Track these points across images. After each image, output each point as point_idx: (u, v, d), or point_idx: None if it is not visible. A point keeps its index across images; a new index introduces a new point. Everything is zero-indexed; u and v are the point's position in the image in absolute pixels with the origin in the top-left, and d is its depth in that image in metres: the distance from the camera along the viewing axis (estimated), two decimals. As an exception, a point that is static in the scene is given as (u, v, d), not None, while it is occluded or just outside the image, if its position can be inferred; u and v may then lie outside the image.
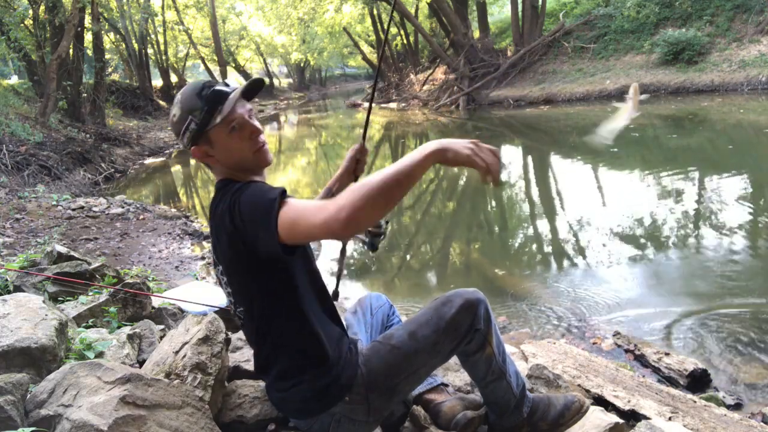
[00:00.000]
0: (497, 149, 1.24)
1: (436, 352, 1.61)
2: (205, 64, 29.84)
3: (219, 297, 3.13)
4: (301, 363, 1.54)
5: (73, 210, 6.68)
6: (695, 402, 2.21)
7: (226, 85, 1.50)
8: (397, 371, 1.58)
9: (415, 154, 1.22)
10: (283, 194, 1.30)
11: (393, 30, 28.17)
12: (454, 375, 2.18)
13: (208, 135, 1.47)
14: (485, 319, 1.64)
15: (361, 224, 1.19)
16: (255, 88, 1.51)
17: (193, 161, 14.05)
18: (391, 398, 1.61)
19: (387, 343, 1.60)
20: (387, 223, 1.92)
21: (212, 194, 1.57)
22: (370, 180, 1.19)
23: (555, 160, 9.64)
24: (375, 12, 25.18)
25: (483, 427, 1.85)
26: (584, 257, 4.68)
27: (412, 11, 23.38)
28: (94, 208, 6.84)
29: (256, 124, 1.50)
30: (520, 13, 19.06)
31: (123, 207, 7.00)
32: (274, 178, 10.51)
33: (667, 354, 2.84)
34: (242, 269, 1.47)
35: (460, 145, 1.23)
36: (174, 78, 26.64)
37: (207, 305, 2.98)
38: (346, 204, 1.18)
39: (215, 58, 28.99)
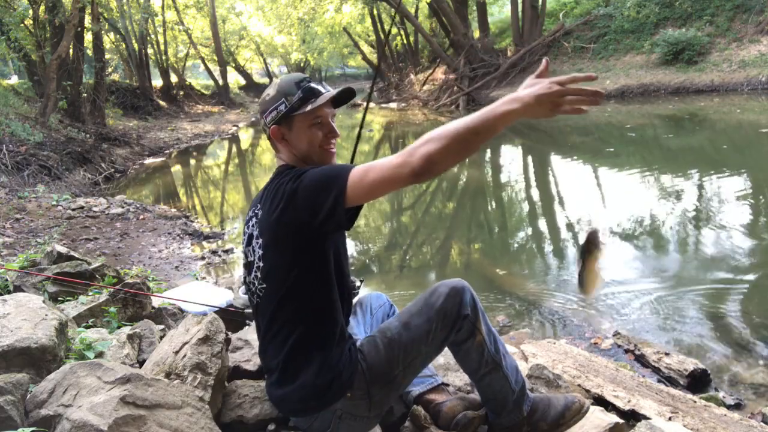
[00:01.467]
0: (586, 83, 1.28)
1: (429, 341, 1.64)
2: (205, 64, 29.83)
3: (219, 297, 3.13)
4: (308, 349, 1.55)
5: (73, 210, 6.68)
6: (695, 402, 2.21)
7: (322, 85, 1.64)
8: (395, 362, 1.61)
9: (496, 110, 1.23)
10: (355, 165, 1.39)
11: (393, 30, 28.19)
12: (454, 375, 2.17)
13: (293, 120, 1.59)
14: (471, 306, 1.67)
15: (436, 165, 1.24)
16: (345, 98, 1.63)
17: (193, 161, 14.06)
18: (390, 391, 1.64)
19: (384, 336, 1.63)
20: (362, 281, 2.06)
21: (270, 177, 1.66)
22: (448, 126, 1.23)
23: (555, 160, 9.64)
24: (375, 12, 25.18)
25: (483, 428, 1.85)
26: (584, 257, 4.67)
27: (412, 11, 23.38)
28: (94, 208, 6.84)
29: (335, 127, 1.62)
30: (520, 13, 19.06)
31: (123, 207, 7.00)
32: (274, 178, 10.51)
33: (667, 354, 2.84)
34: (285, 244, 1.51)
35: (541, 102, 1.24)
36: (174, 78, 26.63)
37: (207, 305, 2.98)
38: (421, 145, 1.24)
39: (215, 58, 28.98)
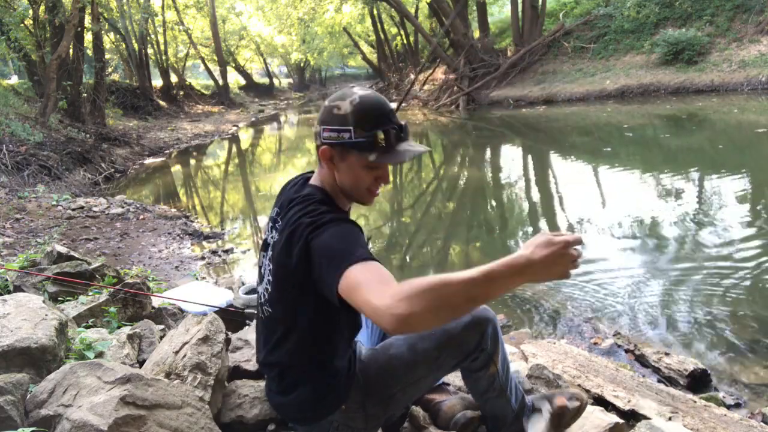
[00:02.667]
0: (578, 243, 1.07)
1: (437, 367, 1.57)
2: (205, 64, 29.84)
3: (219, 297, 3.14)
4: (307, 368, 1.51)
5: (73, 210, 6.68)
6: (695, 402, 2.21)
7: (404, 133, 1.42)
8: (393, 381, 1.54)
9: (498, 272, 1.03)
10: (365, 258, 1.20)
11: (393, 30, 28.20)
12: (454, 374, 2.17)
13: (350, 152, 1.39)
14: (492, 339, 1.57)
15: (412, 328, 1.05)
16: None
17: (193, 161, 14.06)
18: (387, 407, 1.58)
19: (385, 353, 1.56)
20: None
21: (296, 184, 1.55)
22: (441, 283, 1.04)
23: (554, 160, 9.64)
24: (375, 12, 25.19)
25: (483, 427, 1.85)
26: (585, 257, 4.67)
27: (412, 11, 23.38)
28: (94, 208, 6.84)
29: (389, 173, 1.49)
30: (520, 13, 19.06)
31: (123, 207, 7.00)
32: (275, 178, 10.52)
33: (667, 354, 2.84)
34: (293, 285, 1.40)
35: (549, 267, 1.04)
36: (174, 78, 26.63)
37: (207, 305, 2.98)
38: (406, 300, 1.03)
39: (215, 58, 28.98)
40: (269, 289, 1.50)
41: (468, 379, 1.68)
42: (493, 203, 7.36)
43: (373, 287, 1.11)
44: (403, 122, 1.43)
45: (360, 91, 1.41)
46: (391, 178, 1.56)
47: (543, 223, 6.13)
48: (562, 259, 1.04)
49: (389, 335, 1.09)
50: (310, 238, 1.29)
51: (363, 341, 1.80)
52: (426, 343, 1.53)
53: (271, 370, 1.57)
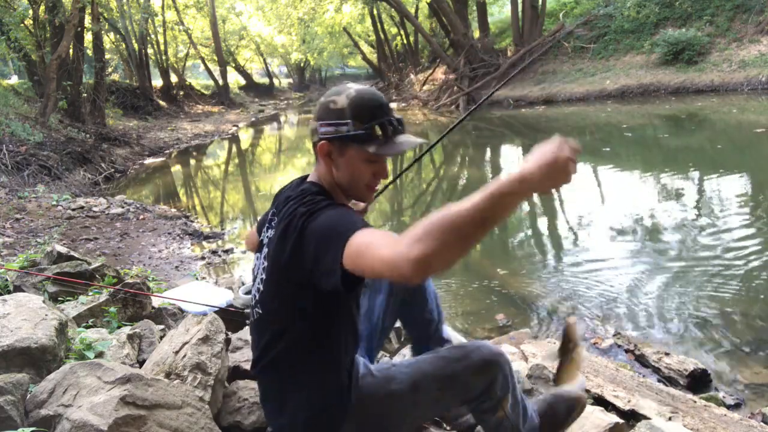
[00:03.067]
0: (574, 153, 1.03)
1: (438, 407, 1.50)
2: (205, 64, 29.84)
3: (219, 297, 3.14)
4: (300, 386, 1.42)
5: (73, 210, 6.68)
6: (695, 402, 2.21)
7: (401, 126, 1.42)
8: (390, 421, 1.46)
9: (503, 189, 1.03)
10: (368, 226, 1.19)
11: (393, 30, 28.19)
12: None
13: (348, 146, 1.37)
14: (503, 386, 1.46)
15: (433, 268, 1.02)
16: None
17: (193, 161, 14.06)
18: None
19: (385, 387, 1.44)
20: None
21: (292, 184, 1.51)
22: (448, 215, 1.04)
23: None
24: (375, 12, 25.18)
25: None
26: (584, 257, 4.67)
27: (412, 11, 23.38)
28: (94, 208, 6.84)
29: (388, 167, 1.45)
30: (520, 13, 19.06)
31: (123, 207, 7.00)
32: (275, 178, 10.52)
33: (667, 354, 2.84)
34: (286, 276, 1.35)
35: (554, 179, 1.02)
36: (174, 78, 26.63)
37: (207, 305, 2.98)
38: (419, 241, 1.01)
39: (215, 58, 28.99)
40: (261, 289, 1.45)
41: (475, 413, 1.57)
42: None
43: (383, 242, 1.08)
44: (399, 116, 1.42)
45: (355, 85, 1.41)
46: (390, 177, 1.55)
47: (543, 223, 6.13)
48: (565, 170, 1.02)
49: (407, 281, 1.04)
50: (305, 224, 1.26)
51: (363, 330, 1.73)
52: (429, 383, 1.43)
53: (267, 390, 1.50)
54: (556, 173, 1.00)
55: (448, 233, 1.01)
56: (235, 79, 35.53)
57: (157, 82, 24.70)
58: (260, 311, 1.45)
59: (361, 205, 1.75)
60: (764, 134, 9.21)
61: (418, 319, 1.88)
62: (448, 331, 1.99)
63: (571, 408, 1.76)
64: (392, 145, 1.37)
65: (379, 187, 1.54)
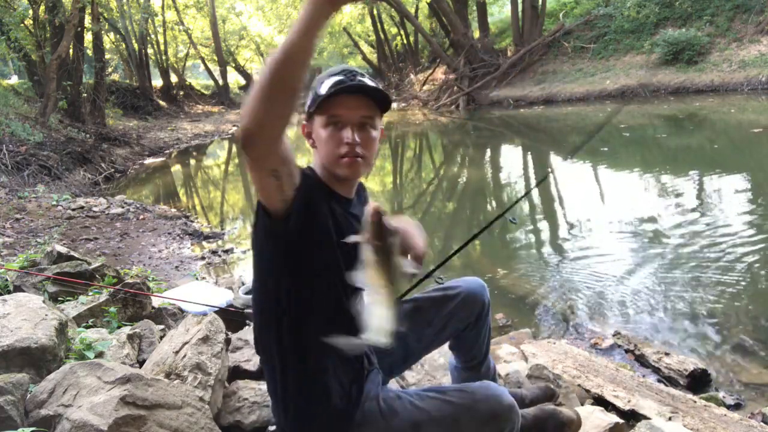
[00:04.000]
0: None
1: None
2: (205, 64, 29.84)
3: (219, 297, 3.14)
4: (290, 395, 1.37)
5: (73, 210, 6.68)
6: (695, 402, 2.21)
7: (370, 78, 1.38)
8: None
9: (302, 13, 0.99)
10: None
11: (393, 30, 28.19)
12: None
13: (313, 118, 1.36)
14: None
15: (262, 125, 1.02)
16: (379, 96, 1.35)
17: (193, 161, 14.05)
18: None
19: (387, 421, 1.35)
20: None
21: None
22: (263, 68, 1.01)
23: (553, 159, 9.64)
24: (375, 12, 25.18)
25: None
26: (584, 257, 4.67)
27: (412, 11, 23.37)
28: (94, 208, 6.84)
29: (354, 135, 1.31)
30: (520, 13, 19.07)
31: (123, 207, 7.00)
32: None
33: (667, 354, 2.84)
34: (263, 259, 1.34)
35: None
36: (174, 78, 26.63)
37: (207, 305, 2.98)
38: (244, 108, 1.03)
39: (215, 58, 28.99)
40: (251, 286, 1.47)
41: None
42: (494, 203, 7.36)
43: None
44: (357, 69, 1.39)
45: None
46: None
47: (542, 222, 6.13)
48: None
49: (253, 154, 1.05)
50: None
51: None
52: (432, 428, 1.34)
53: (268, 386, 1.47)
54: None
55: (263, 82, 1.00)
56: (235, 79, 35.52)
57: (157, 82, 24.70)
58: (252, 308, 1.45)
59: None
60: (761, 134, 9.22)
61: (462, 350, 1.81)
62: (492, 361, 1.89)
63: (559, 429, 1.75)
64: (329, 83, 1.32)
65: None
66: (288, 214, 1.21)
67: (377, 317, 1.12)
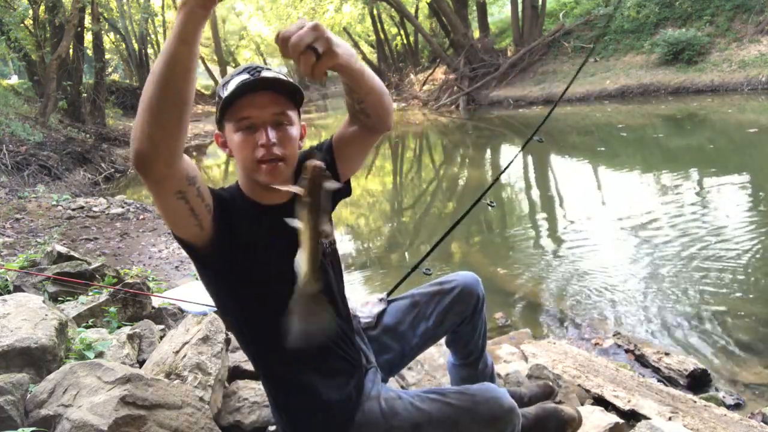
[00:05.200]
0: None
1: None
2: (205, 64, 29.87)
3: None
4: (273, 396, 1.40)
5: (73, 210, 6.68)
6: (695, 402, 2.21)
7: (278, 71, 1.30)
8: None
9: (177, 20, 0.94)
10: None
11: (393, 30, 28.19)
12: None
13: (224, 129, 1.27)
14: None
15: (155, 144, 0.96)
16: (288, 88, 1.23)
17: (192, 161, 14.03)
18: None
19: (388, 421, 1.35)
20: (388, 300, 1.69)
21: None
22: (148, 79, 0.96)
23: (553, 159, 9.65)
24: (375, 12, 25.17)
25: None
26: (584, 257, 4.68)
27: (412, 11, 23.37)
28: (94, 208, 6.84)
29: (268, 135, 1.20)
30: (520, 13, 19.06)
31: (123, 207, 7.00)
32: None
33: (667, 354, 2.84)
34: (206, 282, 1.34)
35: None
36: (174, 78, 26.61)
37: (207, 305, 2.98)
38: (133, 129, 0.98)
39: (215, 58, 29.03)
40: None
41: None
42: (487, 198, 7.35)
43: None
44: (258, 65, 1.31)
45: None
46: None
47: (543, 223, 6.13)
48: None
49: (150, 179, 1.00)
50: None
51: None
52: (432, 430, 1.33)
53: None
54: None
55: (145, 99, 0.95)
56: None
57: (157, 82, 24.67)
58: None
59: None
60: (757, 134, 9.23)
61: (459, 346, 1.80)
62: (489, 358, 1.88)
63: (560, 428, 1.75)
64: (234, 82, 1.22)
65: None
66: (210, 240, 1.17)
67: (299, 263, 1.11)
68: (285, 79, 1.24)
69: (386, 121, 1.36)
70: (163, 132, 0.96)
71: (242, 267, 1.24)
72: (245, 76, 1.23)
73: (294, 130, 1.27)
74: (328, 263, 1.37)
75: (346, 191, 1.50)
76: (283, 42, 1.03)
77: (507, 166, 2.74)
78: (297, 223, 1.09)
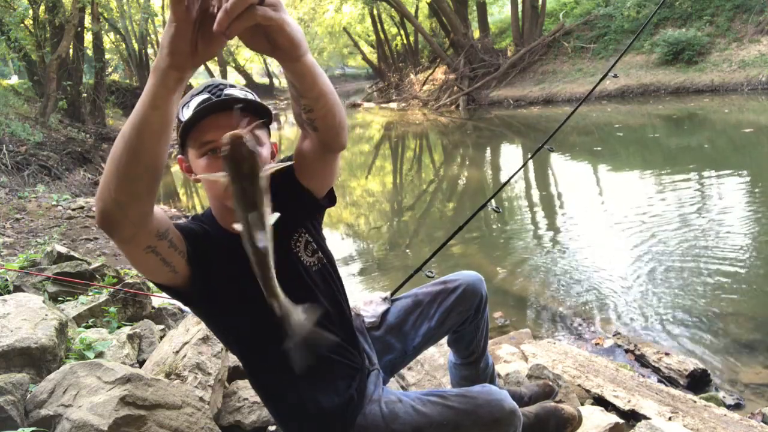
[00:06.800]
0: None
1: None
2: (205, 64, 29.84)
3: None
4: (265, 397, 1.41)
5: (73, 210, 6.68)
6: (695, 402, 2.21)
7: (242, 89, 1.22)
8: None
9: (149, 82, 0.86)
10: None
11: (393, 30, 28.20)
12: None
13: (187, 148, 1.18)
14: None
15: (123, 206, 0.90)
16: (254, 108, 1.14)
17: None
18: None
19: (389, 425, 1.34)
20: (392, 300, 1.68)
21: None
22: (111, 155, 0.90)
23: (554, 159, 9.65)
24: (375, 12, 25.18)
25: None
26: (585, 257, 4.68)
27: (412, 11, 23.37)
28: (94, 208, 6.84)
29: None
30: (520, 13, 19.07)
31: (123, 207, 6.99)
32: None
33: (667, 354, 2.84)
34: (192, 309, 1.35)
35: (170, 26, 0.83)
36: (174, 78, 26.63)
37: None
38: (99, 187, 0.93)
39: (215, 58, 29.01)
40: None
41: None
42: (493, 203, 7.35)
43: None
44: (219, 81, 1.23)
45: None
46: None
47: (543, 223, 6.13)
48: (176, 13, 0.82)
49: (115, 237, 0.95)
50: None
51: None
52: None
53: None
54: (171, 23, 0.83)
55: (112, 164, 0.89)
56: (235, 79, 35.51)
57: (157, 82, 24.69)
58: None
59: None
60: (754, 134, 9.24)
61: (461, 346, 1.80)
62: (490, 358, 1.88)
63: (561, 426, 1.75)
64: (192, 104, 1.15)
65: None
66: (187, 280, 1.13)
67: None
68: (250, 97, 1.18)
69: (338, 137, 1.14)
70: (131, 197, 0.91)
71: (226, 300, 1.21)
72: (205, 96, 1.15)
73: (264, 151, 1.16)
74: (311, 281, 1.30)
75: (327, 201, 1.35)
76: None
77: (514, 174, 2.77)
78: (237, 227, 0.88)
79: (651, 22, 16.66)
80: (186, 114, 1.14)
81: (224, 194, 1.12)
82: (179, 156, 1.22)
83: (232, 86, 1.21)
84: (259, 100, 1.20)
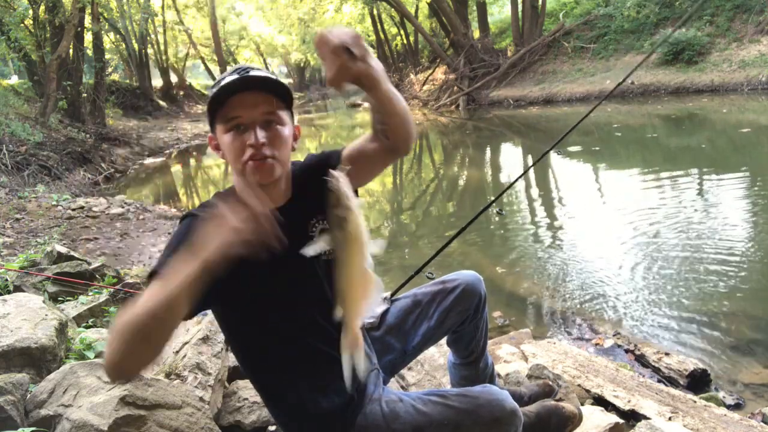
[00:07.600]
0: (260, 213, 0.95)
1: None
2: (205, 64, 29.87)
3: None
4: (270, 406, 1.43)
5: (73, 210, 6.68)
6: (695, 402, 2.21)
7: (268, 72, 1.29)
8: None
9: (171, 276, 0.93)
10: (162, 268, 1.05)
11: (393, 30, 28.20)
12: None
13: (215, 126, 1.24)
14: None
15: (128, 373, 0.99)
16: (279, 90, 1.22)
17: (192, 161, 14.05)
18: None
19: (389, 425, 1.35)
20: (392, 300, 1.68)
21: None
22: (128, 316, 0.92)
23: (554, 159, 9.64)
24: (375, 12, 25.18)
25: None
26: (585, 257, 4.68)
27: (412, 11, 23.38)
28: (94, 208, 6.84)
29: (257, 136, 1.17)
30: (520, 13, 19.07)
31: (123, 207, 6.99)
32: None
33: (667, 354, 2.84)
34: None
35: (210, 242, 0.94)
36: (174, 78, 26.64)
37: (207, 305, 2.98)
38: (107, 348, 0.95)
39: (215, 58, 29.01)
40: None
41: None
42: (502, 211, 7.36)
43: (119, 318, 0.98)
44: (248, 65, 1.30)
45: None
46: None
47: (543, 223, 6.13)
48: (217, 230, 0.95)
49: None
50: None
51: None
52: None
53: None
54: (216, 238, 0.94)
55: (126, 335, 0.92)
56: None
57: (157, 82, 24.70)
58: None
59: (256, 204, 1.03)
60: (752, 134, 9.24)
61: (460, 345, 1.79)
62: (490, 358, 1.88)
63: (562, 424, 1.75)
64: (223, 84, 1.20)
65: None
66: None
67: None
68: (274, 78, 1.23)
69: (406, 145, 1.38)
70: (137, 364, 0.96)
71: (247, 309, 1.26)
72: (235, 77, 1.20)
73: (285, 131, 1.23)
74: (319, 269, 1.33)
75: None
76: (321, 38, 1.10)
77: (518, 178, 2.76)
78: (314, 250, 1.08)
79: (650, 21, 16.73)
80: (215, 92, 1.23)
81: (242, 167, 1.21)
82: (209, 135, 1.30)
83: (258, 69, 1.28)
84: (277, 80, 1.26)
